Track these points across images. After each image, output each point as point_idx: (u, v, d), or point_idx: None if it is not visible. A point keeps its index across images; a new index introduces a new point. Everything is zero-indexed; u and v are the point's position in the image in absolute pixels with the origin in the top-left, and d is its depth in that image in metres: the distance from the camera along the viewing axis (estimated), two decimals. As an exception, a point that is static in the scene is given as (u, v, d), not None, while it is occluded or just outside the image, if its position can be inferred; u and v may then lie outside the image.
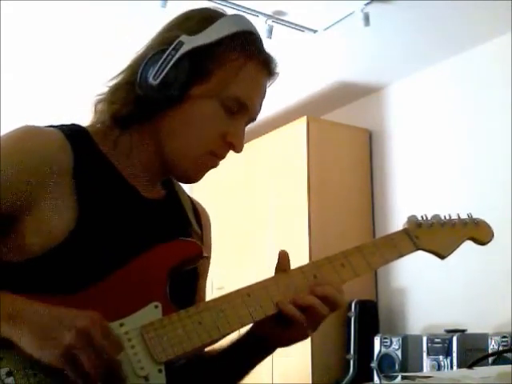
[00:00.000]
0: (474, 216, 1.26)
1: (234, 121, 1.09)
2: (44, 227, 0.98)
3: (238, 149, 1.11)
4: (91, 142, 1.08)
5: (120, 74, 1.12)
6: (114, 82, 1.11)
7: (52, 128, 1.06)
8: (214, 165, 1.13)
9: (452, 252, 1.19)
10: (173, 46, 1.06)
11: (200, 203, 1.29)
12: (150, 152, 1.11)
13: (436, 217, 1.20)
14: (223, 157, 1.13)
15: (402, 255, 1.15)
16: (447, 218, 1.22)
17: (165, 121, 1.08)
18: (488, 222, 1.26)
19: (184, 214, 1.19)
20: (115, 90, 1.10)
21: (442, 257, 1.19)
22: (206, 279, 1.25)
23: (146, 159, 1.11)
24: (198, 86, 1.07)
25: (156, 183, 1.15)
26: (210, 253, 1.26)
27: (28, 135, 1.03)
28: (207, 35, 1.07)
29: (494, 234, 1.24)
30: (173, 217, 1.16)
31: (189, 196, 1.26)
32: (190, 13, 1.14)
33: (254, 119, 1.15)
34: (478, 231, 1.24)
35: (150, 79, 1.05)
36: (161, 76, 1.04)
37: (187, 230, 1.17)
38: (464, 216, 1.24)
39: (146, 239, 1.04)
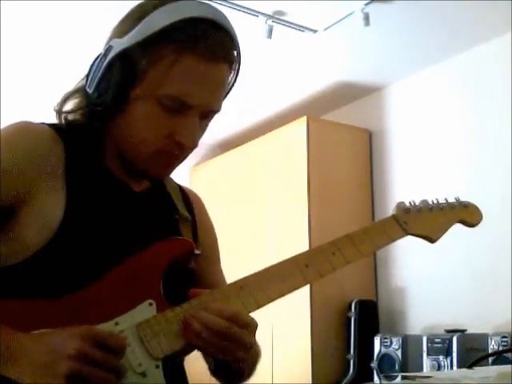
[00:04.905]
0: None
1: (180, 119, 1.04)
2: (39, 221, 0.99)
3: (187, 147, 1.06)
4: (80, 140, 1.09)
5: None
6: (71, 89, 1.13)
7: (43, 124, 1.08)
8: (173, 161, 1.09)
9: (441, 235, 1.21)
10: (103, 52, 1.05)
11: (192, 190, 1.30)
12: (117, 154, 1.11)
13: (424, 201, 1.22)
14: (177, 155, 1.08)
15: (392, 240, 1.16)
16: (435, 202, 1.23)
17: (117, 125, 1.08)
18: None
19: (169, 201, 1.20)
20: (66, 99, 1.11)
21: (431, 240, 1.20)
22: (219, 264, 1.29)
23: (118, 159, 1.11)
24: (135, 88, 1.03)
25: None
26: (214, 234, 1.29)
27: (25, 130, 1.04)
28: (137, 34, 1.02)
29: (483, 218, 1.25)
30: (158, 206, 1.17)
31: (178, 184, 1.26)
32: (134, 8, 1.09)
33: (212, 112, 1.08)
34: (467, 213, 1.25)
35: (87, 88, 1.06)
36: (93, 84, 1.04)
37: (173, 217, 1.17)
38: (452, 200, 1.25)
39: (135, 232, 1.06)
